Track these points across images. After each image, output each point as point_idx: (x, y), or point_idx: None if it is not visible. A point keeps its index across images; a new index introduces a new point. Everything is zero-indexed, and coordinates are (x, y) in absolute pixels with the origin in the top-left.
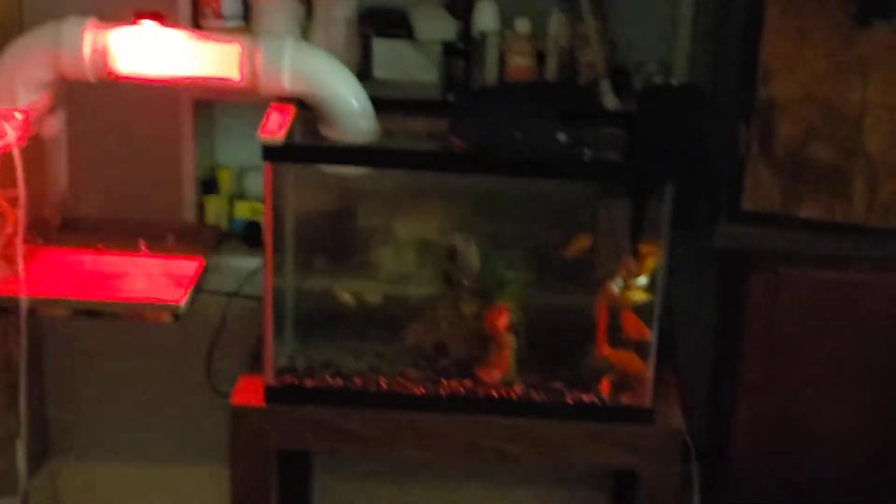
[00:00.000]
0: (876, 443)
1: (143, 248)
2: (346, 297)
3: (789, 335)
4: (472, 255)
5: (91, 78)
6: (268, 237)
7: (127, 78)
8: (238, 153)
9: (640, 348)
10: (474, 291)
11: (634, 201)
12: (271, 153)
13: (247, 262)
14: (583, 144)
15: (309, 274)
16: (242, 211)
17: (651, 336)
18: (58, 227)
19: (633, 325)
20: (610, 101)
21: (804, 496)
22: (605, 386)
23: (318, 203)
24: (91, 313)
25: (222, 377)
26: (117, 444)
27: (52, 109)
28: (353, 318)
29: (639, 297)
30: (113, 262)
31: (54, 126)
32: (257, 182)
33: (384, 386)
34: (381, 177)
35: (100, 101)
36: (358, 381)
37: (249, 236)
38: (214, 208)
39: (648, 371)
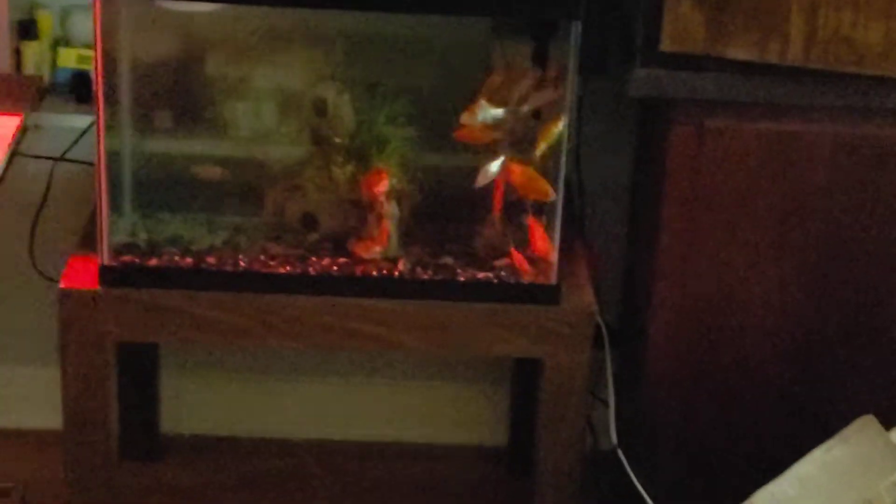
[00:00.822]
0: (809, 319)
1: None
2: (212, 173)
3: (715, 196)
4: (344, 108)
5: None
6: (99, 89)
7: None
8: None
9: (542, 213)
10: (348, 152)
11: (535, 41)
12: None
13: (74, 120)
14: None
15: (150, 133)
16: (67, 59)
17: (554, 196)
18: None
19: (529, 183)
20: None
21: (730, 381)
22: (517, 257)
23: (159, 47)
24: None
25: (48, 257)
26: None
27: None
28: (204, 186)
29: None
30: None
31: None
32: (85, 24)
33: (243, 265)
34: (237, 15)
35: None
36: (211, 259)
37: (77, 89)
38: (34, 56)
39: (553, 242)
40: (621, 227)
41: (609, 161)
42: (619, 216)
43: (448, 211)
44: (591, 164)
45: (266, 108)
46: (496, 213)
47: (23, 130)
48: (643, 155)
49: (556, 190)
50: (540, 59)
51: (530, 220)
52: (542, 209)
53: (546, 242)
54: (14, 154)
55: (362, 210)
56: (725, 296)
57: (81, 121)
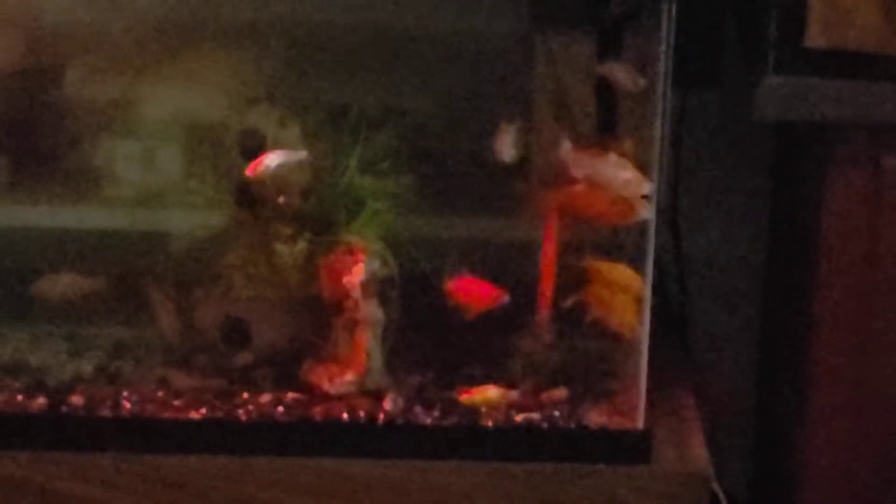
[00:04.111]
0: None
1: None
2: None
3: None
4: (292, 150)
5: None
6: None
7: None
8: None
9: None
10: (299, 219)
11: (602, 38)
12: None
13: None
14: None
15: None
16: None
17: (643, 288)
18: None
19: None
20: None
21: None
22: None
23: None
24: None
25: None
26: None
27: None
28: (65, 281)
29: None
30: None
31: None
32: None
33: (128, 408)
34: (109, 8)
35: None
36: (76, 398)
37: None
38: None
39: (640, 363)
40: (750, 333)
41: (727, 224)
42: (747, 315)
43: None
44: (695, 228)
45: (163, 151)
46: (544, 312)
47: None
48: (784, 212)
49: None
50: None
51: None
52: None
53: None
54: None
55: (323, 314)
56: None
57: None
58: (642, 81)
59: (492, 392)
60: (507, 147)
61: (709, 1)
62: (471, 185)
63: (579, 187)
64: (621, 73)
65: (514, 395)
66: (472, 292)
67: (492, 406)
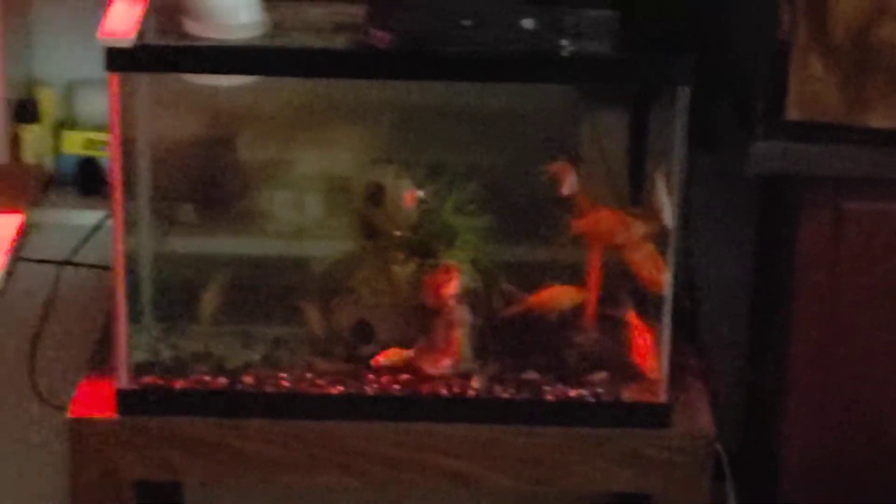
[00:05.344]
0: None
1: None
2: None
3: (858, 292)
4: (404, 195)
5: None
6: (116, 178)
7: None
8: (65, 64)
9: (646, 315)
10: (409, 246)
11: (633, 112)
12: (118, 60)
13: (81, 216)
14: (559, 33)
15: (173, 231)
16: (73, 144)
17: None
18: None
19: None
20: None
21: None
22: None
23: (184, 128)
24: None
25: (52, 380)
26: None
27: None
28: (238, 292)
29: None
30: None
31: None
32: (93, 102)
33: (285, 385)
34: (274, 89)
35: None
36: (248, 379)
37: (83, 179)
38: (34, 142)
39: (661, 351)
40: (742, 330)
41: (725, 251)
42: (739, 317)
43: (529, 315)
44: (703, 255)
45: (309, 198)
46: (590, 315)
47: (25, 231)
48: (766, 243)
49: (664, 287)
50: (639, 131)
51: (633, 323)
52: (645, 310)
53: (653, 351)
54: (16, 260)
55: (427, 316)
56: (875, 413)
57: (89, 216)
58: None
59: (393, 352)
60: (567, 183)
61: (709, 84)
62: (533, 221)
63: (604, 214)
64: (568, 176)
65: (409, 353)
66: (552, 296)
67: (396, 364)
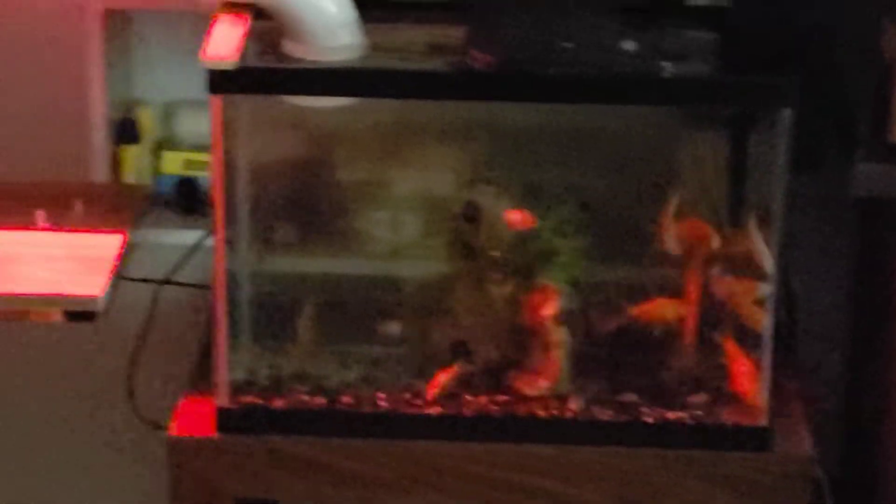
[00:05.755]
0: None
1: (40, 220)
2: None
3: None
4: (502, 216)
5: None
6: (219, 199)
7: None
8: (165, 84)
9: (745, 337)
10: (507, 267)
11: (734, 134)
12: (221, 82)
13: (179, 236)
14: (659, 55)
15: (273, 250)
16: (173, 164)
17: (764, 324)
18: None
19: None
20: None
21: None
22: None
23: (283, 149)
24: None
25: (151, 398)
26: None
27: None
28: (335, 311)
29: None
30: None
31: None
32: (193, 123)
33: (383, 405)
34: (373, 110)
35: None
36: (346, 398)
37: (183, 199)
38: (134, 162)
39: (762, 373)
40: (842, 351)
41: (824, 273)
42: (839, 340)
43: (628, 336)
44: (803, 277)
45: (407, 218)
46: (689, 336)
47: (127, 251)
48: (867, 266)
49: (765, 309)
50: (740, 153)
51: (731, 348)
52: (745, 332)
53: (752, 376)
54: (118, 280)
55: (524, 337)
56: None
57: (187, 236)
58: None
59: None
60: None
61: (811, 106)
62: (631, 242)
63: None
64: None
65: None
66: (656, 307)
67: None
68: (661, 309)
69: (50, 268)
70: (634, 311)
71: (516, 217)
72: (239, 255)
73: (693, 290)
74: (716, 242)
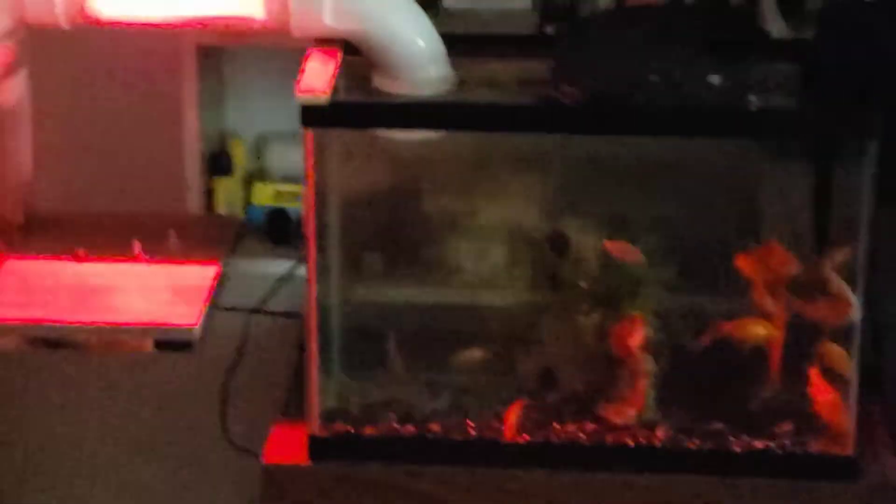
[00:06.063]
0: None
1: (137, 251)
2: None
3: None
4: (589, 247)
5: (63, 24)
6: (311, 229)
7: (110, 23)
8: (257, 118)
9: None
10: (594, 297)
11: (817, 166)
12: (313, 116)
13: (269, 266)
14: (745, 88)
15: (362, 280)
16: (263, 196)
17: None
18: (20, 226)
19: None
20: (776, 25)
21: None
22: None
23: (372, 180)
24: (52, 343)
25: (243, 426)
26: None
27: (11, 68)
28: (425, 341)
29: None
30: (97, 271)
31: (15, 91)
32: (283, 155)
33: (472, 433)
34: (461, 142)
35: (73, 56)
36: (435, 426)
37: (273, 229)
38: (226, 193)
39: (850, 406)
40: None
41: None
42: None
43: (714, 365)
44: (888, 305)
45: (494, 248)
46: (775, 365)
47: (221, 281)
48: None
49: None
50: (824, 184)
51: (817, 379)
52: (830, 360)
53: (838, 402)
54: (213, 310)
55: (611, 365)
56: None
57: (278, 266)
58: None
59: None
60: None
61: (893, 136)
62: (718, 273)
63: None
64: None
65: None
66: (747, 324)
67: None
68: (753, 327)
69: (146, 298)
70: (727, 326)
71: (619, 248)
72: (330, 285)
73: (779, 318)
74: (802, 271)
